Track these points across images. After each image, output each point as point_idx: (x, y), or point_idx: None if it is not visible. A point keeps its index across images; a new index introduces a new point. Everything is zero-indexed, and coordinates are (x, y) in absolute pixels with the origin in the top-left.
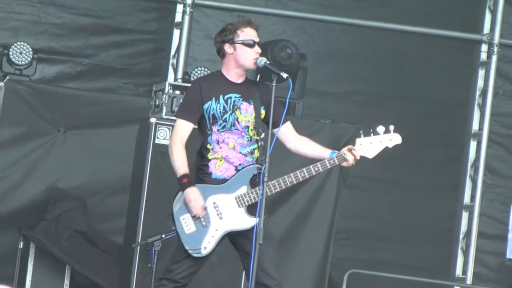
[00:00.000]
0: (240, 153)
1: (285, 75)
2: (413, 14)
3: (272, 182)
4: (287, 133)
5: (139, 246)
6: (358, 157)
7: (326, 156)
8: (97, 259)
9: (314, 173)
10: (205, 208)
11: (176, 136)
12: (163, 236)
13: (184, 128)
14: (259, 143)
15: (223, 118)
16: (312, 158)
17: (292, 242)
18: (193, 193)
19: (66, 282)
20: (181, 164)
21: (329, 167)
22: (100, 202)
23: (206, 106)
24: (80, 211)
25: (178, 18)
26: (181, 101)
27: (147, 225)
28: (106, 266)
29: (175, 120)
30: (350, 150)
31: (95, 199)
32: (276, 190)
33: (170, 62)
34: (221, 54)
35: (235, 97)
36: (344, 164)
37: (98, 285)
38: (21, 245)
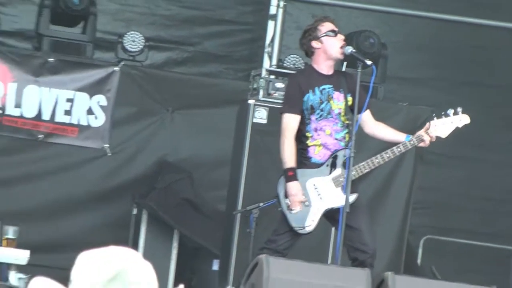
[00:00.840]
0: (336, 139)
1: (369, 62)
2: (484, 8)
3: (363, 164)
4: (366, 119)
5: (239, 213)
6: (434, 138)
7: (401, 140)
8: (202, 224)
9: (397, 154)
10: (305, 191)
11: (286, 130)
12: (261, 204)
13: (293, 121)
14: (349, 128)
15: (320, 107)
16: (389, 141)
17: (375, 211)
18: (295, 188)
19: (175, 244)
20: (290, 158)
21: (409, 147)
22: (204, 173)
23: (305, 98)
24: (187, 182)
25: (272, 11)
26: (283, 97)
27: (246, 195)
28: (210, 230)
29: (272, 102)
30: (426, 131)
31: (199, 171)
32: (366, 170)
33: (266, 50)
34: (310, 52)
35: (328, 88)
36: (421, 144)
37: (203, 247)
38: (134, 211)
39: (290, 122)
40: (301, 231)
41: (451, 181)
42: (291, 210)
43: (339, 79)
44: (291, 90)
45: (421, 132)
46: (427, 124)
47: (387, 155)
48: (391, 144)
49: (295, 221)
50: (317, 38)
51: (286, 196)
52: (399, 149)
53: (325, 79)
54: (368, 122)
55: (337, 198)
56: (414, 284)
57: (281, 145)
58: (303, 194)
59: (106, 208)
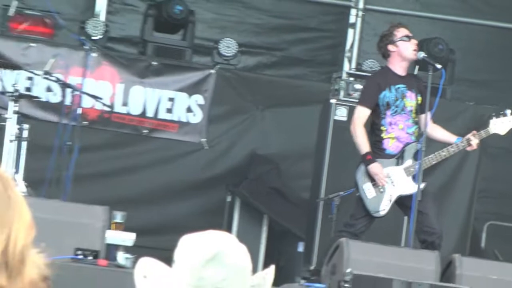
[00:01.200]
0: (407, 133)
1: (439, 66)
2: None
3: (431, 156)
4: (424, 119)
5: (322, 201)
6: (476, 145)
7: (452, 141)
8: (289, 210)
9: (452, 153)
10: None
11: (357, 119)
12: (341, 193)
13: (365, 113)
14: (418, 124)
15: (395, 104)
16: (441, 142)
17: (443, 199)
18: (377, 167)
19: (264, 228)
20: (365, 143)
21: (461, 148)
22: (290, 165)
23: (381, 95)
24: (275, 172)
25: (352, 20)
26: (360, 92)
27: (328, 184)
28: (296, 216)
29: (351, 101)
30: (474, 135)
31: (286, 163)
32: (434, 162)
33: (346, 55)
34: (386, 55)
35: (402, 87)
36: (468, 148)
37: (290, 231)
38: (228, 199)
39: (363, 113)
40: (376, 215)
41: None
42: (369, 195)
43: (411, 80)
44: (369, 87)
45: (470, 136)
46: (472, 132)
47: (443, 153)
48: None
49: (371, 206)
50: (393, 42)
51: (364, 182)
52: (453, 149)
53: (400, 79)
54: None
55: (408, 186)
56: (478, 265)
57: (353, 133)
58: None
59: (203, 196)
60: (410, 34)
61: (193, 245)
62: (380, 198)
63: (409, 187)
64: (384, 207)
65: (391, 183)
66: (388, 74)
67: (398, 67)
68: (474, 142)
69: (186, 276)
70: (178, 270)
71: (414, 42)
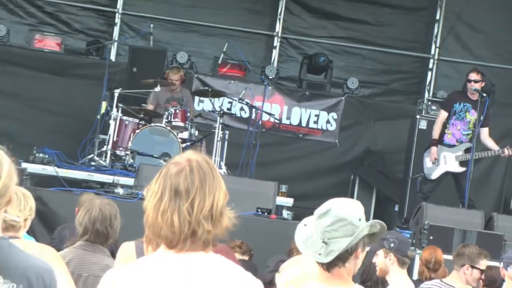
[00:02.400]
0: (462, 134)
1: (484, 95)
2: None
3: (477, 152)
4: (484, 132)
5: (410, 179)
6: (508, 155)
7: (495, 149)
8: (390, 186)
9: (491, 155)
10: (439, 156)
11: (438, 118)
12: (422, 174)
13: (444, 115)
14: (473, 132)
15: (459, 113)
16: (489, 148)
17: (482, 182)
18: (434, 150)
19: (374, 196)
20: (435, 133)
21: (497, 154)
22: (391, 156)
23: (455, 105)
24: (380, 161)
25: (430, 66)
26: (443, 99)
27: (414, 168)
28: (394, 188)
29: (430, 117)
30: (508, 148)
31: (388, 155)
32: (478, 157)
33: (426, 87)
34: (464, 85)
35: (468, 105)
36: (502, 156)
37: (390, 198)
38: (351, 178)
39: (443, 115)
40: (428, 178)
41: None
42: (428, 165)
43: (477, 103)
44: (448, 98)
45: (506, 148)
46: (507, 146)
47: (484, 154)
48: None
49: (426, 172)
50: (469, 82)
51: (426, 157)
52: (491, 153)
53: (468, 99)
54: (484, 134)
55: (454, 167)
56: (508, 220)
57: (436, 125)
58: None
59: (336, 176)
60: (472, 78)
61: (321, 206)
62: (434, 168)
63: (455, 168)
64: (435, 175)
65: (444, 162)
66: (461, 94)
67: (469, 92)
68: (507, 152)
69: (312, 222)
70: (311, 219)
71: (473, 76)
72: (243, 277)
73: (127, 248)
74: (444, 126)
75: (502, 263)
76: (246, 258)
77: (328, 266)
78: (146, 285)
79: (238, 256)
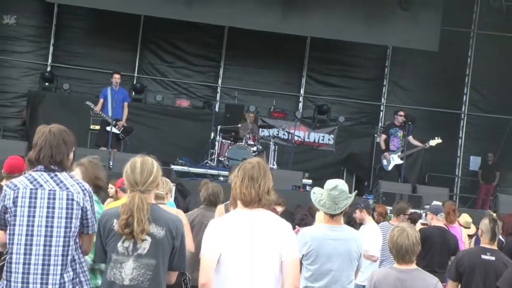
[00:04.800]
0: (398, 143)
1: (410, 123)
2: None
3: (408, 151)
4: (410, 139)
5: (373, 167)
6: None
7: (421, 145)
8: (362, 172)
9: (419, 149)
10: (388, 158)
11: (382, 138)
12: (380, 166)
13: (384, 136)
14: (402, 142)
15: (394, 133)
16: (416, 146)
17: (411, 167)
18: (387, 154)
19: (354, 179)
20: (382, 145)
21: (421, 148)
22: (361, 157)
23: (390, 130)
24: (357, 159)
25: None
26: (384, 127)
27: (375, 162)
28: (365, 174)
29: None
30: (427, 143)
31: (360, 156)
32: (408, 153)
33: None
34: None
35: (397, 128)
36: (425, 148)
37: (363, 179)
38: (342, 169)
39: (383, 136)
40: (386, 169)
41: None
42: (385, 161)
43: (403, 126)
44: (386, 126)
45: (425, 144)
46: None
47: (417, 148)
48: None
49: (385, 167)
50: (400, 116)
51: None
52: (418, 148)
53: (395, 126)
54: (411, 140)
55: (398, 161)
56: (426, 188)
57: (380, 142)
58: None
59: (334, 167)
60: (400, 114)
61: (328, 183)
62: (388, 165)
63: (398, 161)
64: (389, 167)
65: (392, 159)
66: (393, 123)
67: (397, 121)
68: (427, 145)
69: (325, 193)
70: (322, 190)
71: (401, 113)
72: (279, 221)
73: (220, 208)
74: (387, 141)
75: (429, 212)
76: (283, 209)
77: (333, 216)
78: (232, 226)
79: (279, 208)
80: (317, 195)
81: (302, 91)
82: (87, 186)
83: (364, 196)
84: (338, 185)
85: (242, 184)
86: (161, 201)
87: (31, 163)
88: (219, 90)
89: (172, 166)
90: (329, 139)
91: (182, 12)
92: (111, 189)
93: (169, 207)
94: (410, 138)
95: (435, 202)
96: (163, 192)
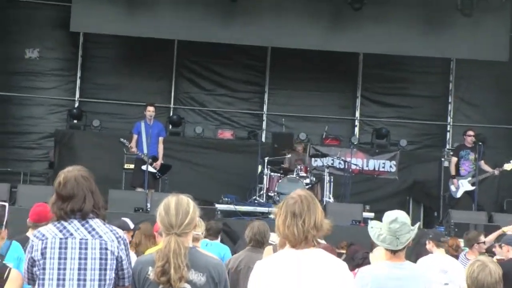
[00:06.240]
0: (470, 167)
1: (480, 143)
2: None
3: (480, 176)
4: (481, 164)
5: (442, 196)
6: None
7: (491, 171)
8: (430, 201)
9: (491, 175)
10: (457, 184)
11: (452, 161)
12: (449, 193)
13: (455, 159)
14: (474, 165)
15: (464, 156)
16: (487, 171)
17: (485, 193)
18: (455, 180)
19: (422, 210)
20: (452, 170)
21: (492, 174)
22: (428, 184)
23: (461, 152)
24: (423, 187)
25: None
26: (454, 149)
27: (444, 190)
28: (433, 203)
29: None
30: (499, 169)
31: (427, 183)
32: (480, 179)
33: None
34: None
35: (468, 150)
36: (495, 175)
37: (431, 209)
38: (407, 199)
39: (453, 159)
40: (454, 196)
41: None
42: (454, 187)
43: (474, 148)
44: (456, 148)
45: (496, 169)
46: (497, 168)
47: (488, 173)
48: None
49: (453, 194)
50: (469, 136)
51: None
52: (489, 174)
53: (467, 147)
54: (482, 165)
55: (468, 187)
56: (503, 216)
57: (450, 166)
58: None
59: (398, 197)
60: (469, 134)
61: (387, 216)
62: (456, 191)
63: (469, 188)
64: (458, 195)
65: (462, 185)
66: (463, 145)
67: (467, 142)
68: (497, 172)
69: (385, 226)
70: (381, 224)
71: (470, 133)
72: (333, 261)
73: (268, 249)
74: (457, 165)
75: (504, 244)
76: (344, 251)
77: (395, 252)
78: (278, 269)
79: (341, 251)
80: (376, 229)
81: (357, 114)
82: (121, 233)
83: (434, 228)
84: (398, 217)
85: (284, 222)
86: (195, 244)
87: (59, 218)
88: (264, 117)
89: (217, 205)
90: (390, 166)
91: (219, 34)
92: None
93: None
94: (482, 163)
95: (510, 232)
96: (200, 233)
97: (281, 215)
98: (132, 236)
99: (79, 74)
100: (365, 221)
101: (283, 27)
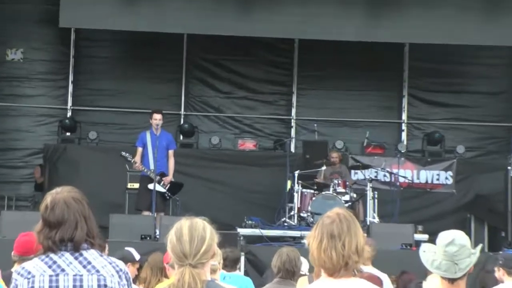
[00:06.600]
0: None
1: None
2: None
3: None
4: None
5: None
6: None
7: None
8: (496, 219)
9: None
10: None
11: None
12: None
13: None
14: None
15: None
16: None
17: None
18: None
19: (486, 229)
20: None
21: None
22: (492, 198)
23: None
24: (486, 202)
25: None
26: None
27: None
28: (500, 221)
29: None
30: None
31: (491, 197)
32: None
33: None
34: None
35: None
36: None
37: (498, 228)
38: (468, 217)
39: None
40: None
41: None
42: None
43: None
44: None
45: None
46: None
47: None
48: None
49: None
50: None
51: None
52: None
53: None
54: None
55: None
56: None
57: None
58: None
59: (456, 215)
60: None
61: (442, 238)
62: None
63: None
64: None
65: None
66: None
67: None
68: None
69: (440, 250)
70: (436, 247)
71: None
72: None
73: (302, 280)
74: None
75: None
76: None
77: (453, 280)
78: None
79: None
80: (429, 254)
81: (404, 116)
82: (122, 266)
83: (501, 252)
84: (455, 238)
85: (320, 246)
86: (213, 276)
87: (47, 250)
88: (293, 123)
89: (239, 230)
90: (446, 178)
91: (236, 26)
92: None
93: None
94: None
95: None
96: (217, 263)
97: (316, 237)
98: (139, 269)
99: (71, 78)
100: (418, 244)
101: (312, 16)
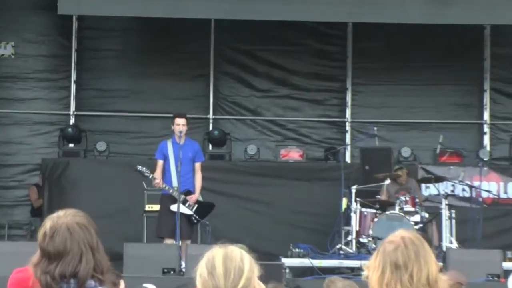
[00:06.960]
0: None
1: None
2: None
3: None
4: None
5: None
6: None
7: None
8: None
9: None
10: None
11: None
12: None
13: None
14: None
15: None
16: None
17: None
18: None
19: None
20: None
21: None
22: None
23: None
24: None
25: None
26: None
27: None
28: None
29: None
30: None
31: None
32: None
33: None
34: None
35: None
36: None
37: None
38: None
39: None
40: None
41: None
42: None
43: None
44: None
45: None
46: None
47: None
48: None
49: None
50: None
51: None
52: None
53: None
54: None
55: None
56: None
57: None
58: None
59: None
60: None
61: None
62: None
63: None
64: None
65: None
66: None
67: None
68: None
69: None
70: None
71: None
72: None
73: None
74: None
75: None
76: None
77: None
78: None
79: None
80: None
81: (486, 116)
82: None
83: None
84: None
85: (381, 279)
86: None
87: (45, 287)
88: (348, 127)
89: (284, 260)
90: None
91: (275, 9)
92: None
93: None
94: None
95: None
96: None
97: (377, 268)
98: None
99: (74, 77)
100: (507, 274)
101: None
